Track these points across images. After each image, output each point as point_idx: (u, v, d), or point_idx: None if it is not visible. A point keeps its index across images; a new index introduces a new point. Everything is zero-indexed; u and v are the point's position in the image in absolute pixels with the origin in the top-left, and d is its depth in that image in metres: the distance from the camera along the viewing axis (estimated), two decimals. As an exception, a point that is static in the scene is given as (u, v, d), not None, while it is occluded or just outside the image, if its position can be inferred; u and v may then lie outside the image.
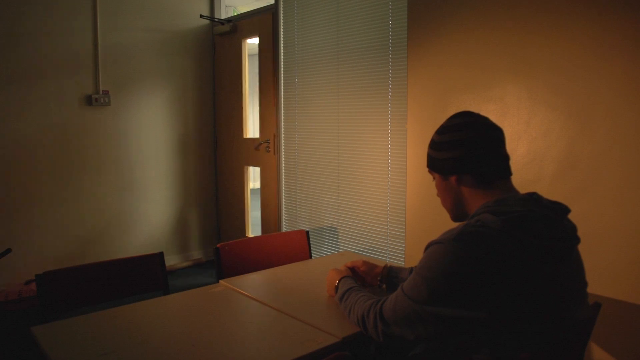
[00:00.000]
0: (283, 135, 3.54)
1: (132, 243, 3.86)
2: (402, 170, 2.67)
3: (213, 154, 4.28)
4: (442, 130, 1.22)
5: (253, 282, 1.74)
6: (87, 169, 3.57)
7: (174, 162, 4.03)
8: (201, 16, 4.05)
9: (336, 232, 3.18)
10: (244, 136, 3.96)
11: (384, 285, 1.59)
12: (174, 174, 4.03)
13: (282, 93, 3.51)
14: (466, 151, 1.16)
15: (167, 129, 3.97)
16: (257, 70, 3.76)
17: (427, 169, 1.29)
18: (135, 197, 3.85)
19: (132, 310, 1.47)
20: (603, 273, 1.82)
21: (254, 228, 4.22)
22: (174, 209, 4.05)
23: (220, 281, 1.74)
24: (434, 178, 1.27)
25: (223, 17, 4.20)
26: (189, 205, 4.14)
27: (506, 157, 1.20)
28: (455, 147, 1.17)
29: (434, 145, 1.24)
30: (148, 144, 3.88)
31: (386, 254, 2.84)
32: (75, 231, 3.54)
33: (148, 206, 3.92)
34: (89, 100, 3.52)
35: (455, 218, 1.26)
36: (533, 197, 1.13)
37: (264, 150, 3.74)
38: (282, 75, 3.51)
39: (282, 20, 3.47)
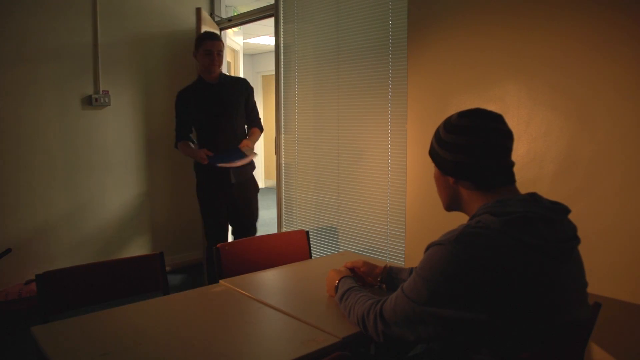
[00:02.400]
0: (283, 135, 3.53)
1: (134, 243, 3.86)
2: (402, 170, 2.67)
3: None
4: (449, 127, 1.16)
5: (253, 282, 1.74)
6: (88, 168, 3.57)
7: (175, 161, 4.03)
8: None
9: (336, 232, 3.18)
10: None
11: (384, 286, 1.59)
12: (177, 173, 4.03)
13: (282, 93, 3.51)
14: (467, 159, 1.12)
15: (168, 129, 3.96)
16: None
17: (425, 156, 1.26)
18: (137, 197, 3.84)
19: (132, 310, 1.47)
20: (603, 273, 1.82)
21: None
22: (175, 208, 4.05)
23: (220, 281, 1.74)
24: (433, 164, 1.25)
25: (223, 17, 4.20)
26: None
27: (510, 166, 1.16)
28: (457, 152, 1.13)
29: (438, 139, 1.19)
30: (148, 144, 3.88)
31: (386, 254, 2.84)
32: (75, 231, 3.54)
33: (150, 206, 3.92)
34: (89, 100, 3.52)
35: (447, 208, 1.25)
36: (533, 198, 1.12)
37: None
38: (282, 75, 3.51)
39: (282, 20, 3.47)
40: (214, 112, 2.98)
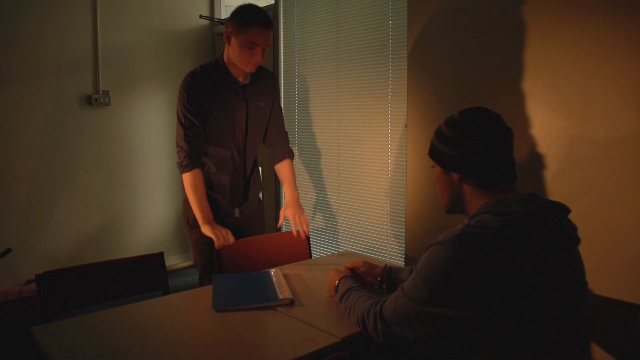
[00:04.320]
0: (283, 135, 3.54)
1: (132, 243, 3.86)
2: (402, 170, 2.67)
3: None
4: (451, 124, 1.19)
5: (253, 282, 1.73)
6: (87, 168, 3.57)
7: (174, 162, 4.03)
8: (201, 16, 4.04)
9: (336, 232, 3.18)
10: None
11: (384, 286, 1.59)
12: (175, 173, 4.03)
13: (282, 93, 3.51)
14: (471, 152, 1.14)
15: (167, 129, 3.97)
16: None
17: (426, 157, 1.27)
18: (136, 197, 3.84)
19: (132, 310, 1.47)
20: (603, 273, 1.82)
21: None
22: (174, 209, 4.05)
23: (220, 281, 1.74)
24: (433, 166, 1.26)
25: (223, 17, 4.20)
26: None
27: (512, 162, 1.18)
28: (461, 146, 1.15)
29: (440, 136, 1.21)
30: (148, 144, 3.88)
31: (386, 254, 2.84)
32: (75, 231, 3.54)
33: (148, 206, 3.92)
34: (89, 100, 3.52)
35: (449, 210, 1.25)
36: (533, 198, 1.13)
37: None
38: (282, 75, 3.51)
39: (282, 20, 3.47)
40: (235, 127, 2.10)
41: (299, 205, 2.16)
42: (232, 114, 2.08)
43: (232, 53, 2.00)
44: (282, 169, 2.25)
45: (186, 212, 2.16)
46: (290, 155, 2.27)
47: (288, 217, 2.14)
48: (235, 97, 2.08)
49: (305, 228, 2.13)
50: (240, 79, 2.08)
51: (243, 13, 1.96)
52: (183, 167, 1.99)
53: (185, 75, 2.06)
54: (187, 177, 1.99)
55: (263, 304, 1.48)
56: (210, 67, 2.08)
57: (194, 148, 2.02)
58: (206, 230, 1.93)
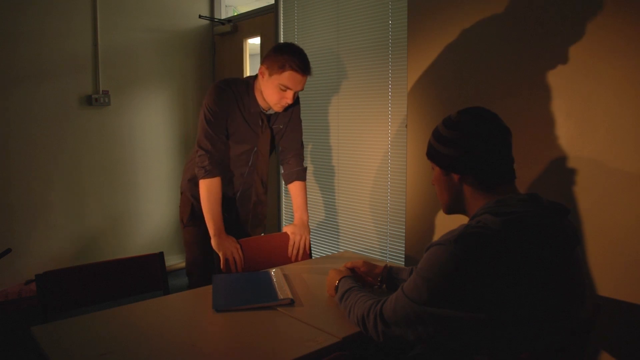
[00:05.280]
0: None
1: (133, 243, 3.86)
2: (402, 170, 2.67)
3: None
4: (449, 124, 1.19)
5: (253, 282, 1.73)
6: (87, 169, 3.57)
7: (175, 162, 4.03)
8: (200, 16, 4.04)
9: (336, 232, 3.18)
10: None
11: (384, 286, 1.59)
12: (175, 174, 4.03)
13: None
14: (470, 153, 1.14)
15: (168, 129, 3.97)
16: (257, 70, 3.74)
17: (426, 158, 1.26)
18: (136, 197, 3.84)
19: (132, 310, 1.47)
20: (603, 273, 1.82)
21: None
22: (174, 209, 4.05)
23: (220, 281, 1.73)
24: (432, 167, 1.26)
25: (223, 17, 4.20)
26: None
27: (511, 161, 1.18)
28: (460, 147, 1.15)
29: (438, 137, 1.21)
30: (148, 144, 3.88)
31: (386, 254, 2.84)
32: (75, 231, 3.54)
33: (148, 206, 3.92)
34: (89, 100, 3.52)
35: (449, 211, 1.26)
36: (533, 198, 1.13)
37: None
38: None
39: (282, 20, 3.47)
40: (249, 147, 2.10)
41: (304, 228, 2.13)
42: (255, 140, 2.11)
43: (263, 88, 2.01)
44: (293, 192, 2.21)
45: (182, 211, 2.19)
46: (302, 176, 2.22)
47: (289, 235, 2.14)
48: (260, 125, 2.10)
49: (300, 251, 2.12)
50: (265, 108, 2.09)
51: (282, 54, 1.95)
52: (206, 172, 1.95)
53: (217, 81, 2.07)
54: (205, 184, 1.96)
55: (263, 304, 1.49)
56: (241, 86, 2.07)
57: (217, 150, 2.00)
58: (215, 244, 1.93)
